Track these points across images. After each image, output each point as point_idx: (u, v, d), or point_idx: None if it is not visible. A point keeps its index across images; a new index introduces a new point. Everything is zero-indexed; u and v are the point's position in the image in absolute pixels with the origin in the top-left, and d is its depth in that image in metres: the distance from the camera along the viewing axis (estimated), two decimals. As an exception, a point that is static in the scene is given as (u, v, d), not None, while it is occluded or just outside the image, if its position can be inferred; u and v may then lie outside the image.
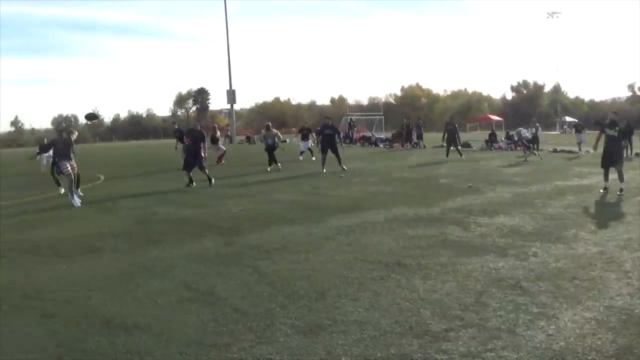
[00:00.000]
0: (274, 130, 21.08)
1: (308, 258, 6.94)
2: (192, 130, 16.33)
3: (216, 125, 30.02)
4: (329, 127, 18.99)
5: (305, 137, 25.47)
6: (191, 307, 5.28)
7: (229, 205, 11.72)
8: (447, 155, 23.03)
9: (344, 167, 18.10)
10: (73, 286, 6.10)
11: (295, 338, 4.39)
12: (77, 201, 12.32)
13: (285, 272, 6.32)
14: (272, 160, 20.14)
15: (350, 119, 44.84)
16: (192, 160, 15.26)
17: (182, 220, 10.04)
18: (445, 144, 24.29)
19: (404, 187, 13.86)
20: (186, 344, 4.37)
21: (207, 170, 15.48)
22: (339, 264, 6.57)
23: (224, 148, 25.27)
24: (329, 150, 18.38)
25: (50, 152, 21.63)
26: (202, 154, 15.31)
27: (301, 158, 24.81)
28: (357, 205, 10.86)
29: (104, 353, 4.28)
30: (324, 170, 17.94)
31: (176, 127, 26.44)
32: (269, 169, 19.63)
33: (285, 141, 46.99)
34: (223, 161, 23.59)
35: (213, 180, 15.33)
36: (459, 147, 23.80)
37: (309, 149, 25.07)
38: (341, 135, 21.21)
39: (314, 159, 23.27)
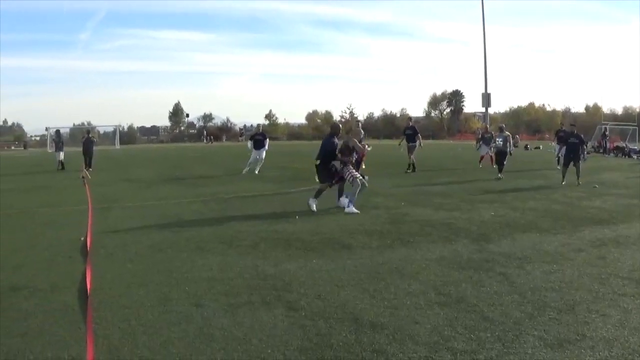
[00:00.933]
0: (507, 133, 20.12)
1: (559, 269, 6.93)
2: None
3: (487, 126, 30.38)
4: (574, 136, 17.83)
5: (561, 140, 24.04)
6: (440, 311, 5.31)
7: (481, 210, 11.80)
8: None
9: (579, 181, 16.95)
10: (322, 281, 6.38)
11: (543, 351, 4.39)
12: (352, 209, 11.59)
13: (535, 282, 6.34)
14: (499, 165, 19.37)
15: (605, 128, 45.03)
16: None
17: (433, 223, 10.15)
18: None
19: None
20: (433, 348, 4.42)
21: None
22: (590, 278, 6.52)
23: (486, 150, 25.20)
24: (571, 162, 17.42)
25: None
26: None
27: (558, 167, 23.44)
28: (609, 218, 10.85)
29: (350, 350, 4.39)
30: (563, 183, 17.14)
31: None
32: (499, 176, 19.04)
33: (538, 147, 45.45)
34: (480, 165, 24.43)
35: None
36: None
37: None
38: (587, 145, 19.71)
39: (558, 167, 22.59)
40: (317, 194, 11.91)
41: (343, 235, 8.98)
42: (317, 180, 12.20)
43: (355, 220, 10.51)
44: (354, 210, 11.47)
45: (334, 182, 12.09)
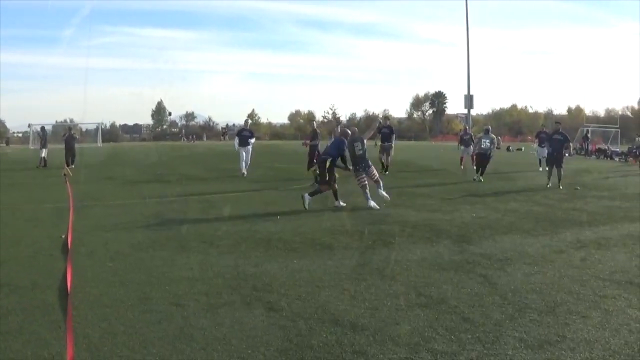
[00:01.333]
0: (493, 135, 19.62)
1: (540, 271, 6.95)
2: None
3: (466, 128, 30.33)
4: (558, 133, 17.59)
5: (542, 142, 23.98)
6: (420, 313, 5.32)
7: (462, 211, 11.83)
8: None
9: (560, 186, 16.59)
10: (303, 281, 6.37)
11: (524, 352, 4.41)
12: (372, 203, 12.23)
13: (516, 284, 6.36)
14: (481, 168, 18.81)
15: (587, 130, 45.93)
16: None
17: (415, 224, 10.16)
18: None
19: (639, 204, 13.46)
20: (414, 350, 4.43)
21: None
22: (571, 279, 6.56)
23: (466, 151, 24.94)
24: (554, 163, 17.08)
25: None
26: None
27: (540, 169, 23.45)
28: (591, 220, 10.88)
29: (330, 351, 4.39)
30: (549, 185, 16.89)
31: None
32: (481, 179, 18.44)
33: (520, 149, 45.80)
34: (462, 166, 23.91)
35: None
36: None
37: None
38: (571, 145, 19.63)
39: (540, 169, 22.92)
40: (314, 194, 12.15)
41: (324, 236, 8.97)
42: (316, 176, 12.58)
43: (336, 220, 10.52)
44: (385, 194, 12.50)
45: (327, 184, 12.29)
